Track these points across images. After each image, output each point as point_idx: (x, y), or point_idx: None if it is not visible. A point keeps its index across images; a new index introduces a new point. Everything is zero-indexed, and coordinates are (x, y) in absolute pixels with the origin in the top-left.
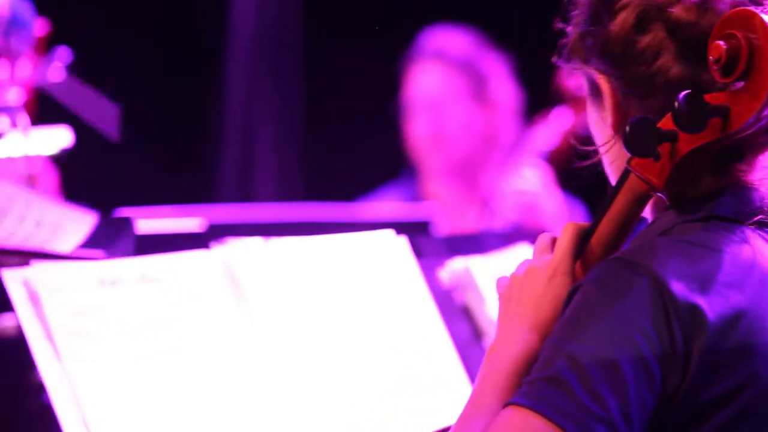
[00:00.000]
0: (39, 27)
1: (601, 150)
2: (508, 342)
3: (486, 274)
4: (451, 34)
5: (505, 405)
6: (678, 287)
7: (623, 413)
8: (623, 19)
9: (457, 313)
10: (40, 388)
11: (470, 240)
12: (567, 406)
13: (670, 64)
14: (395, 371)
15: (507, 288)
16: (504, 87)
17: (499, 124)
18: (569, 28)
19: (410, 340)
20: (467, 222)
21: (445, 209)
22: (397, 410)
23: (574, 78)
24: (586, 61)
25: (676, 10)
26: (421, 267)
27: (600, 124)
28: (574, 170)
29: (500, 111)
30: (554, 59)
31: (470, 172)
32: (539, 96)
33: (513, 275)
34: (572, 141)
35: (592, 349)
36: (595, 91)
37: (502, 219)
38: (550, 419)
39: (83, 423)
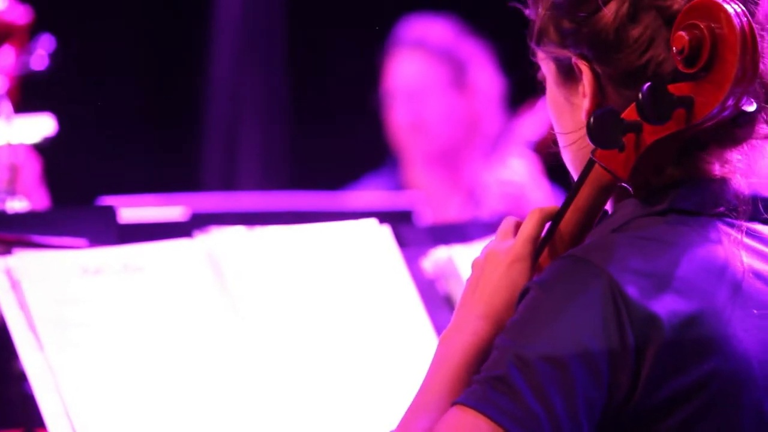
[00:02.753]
0: (22, 15)
1: (568, 138)
2: (459, 330)
3: (469, 263)
4: (431, 23)
5: (453, 404)
6: (631, 288)
7: (570, 415)
8: (617, 6)
9: (440, 302)
10: (21, 377)
11: (454, 229)
12: (513, 409)
13: (662, 53)
14: (377, 360)
15: (471, 274)
16: (485, 75)
17: (480, 112)
18: (537, 10)
19: (392, 329)
20: (451, 211)
21: (429, 198)
22: (379, 399)
23: (542, 65)
24: (562, 45)
25: (677, 3)
26: (404, 256)
27: (568, 111)
28: (560, 160)
29: (482, 99)
30: (528, 41)
31: (453, 161)
32: (526, 86)
33: (474, 260)
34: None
35: (541, 349)
36: (568, 76)
37: (487, 209)
38: (496, 422)
39: (65, 412)
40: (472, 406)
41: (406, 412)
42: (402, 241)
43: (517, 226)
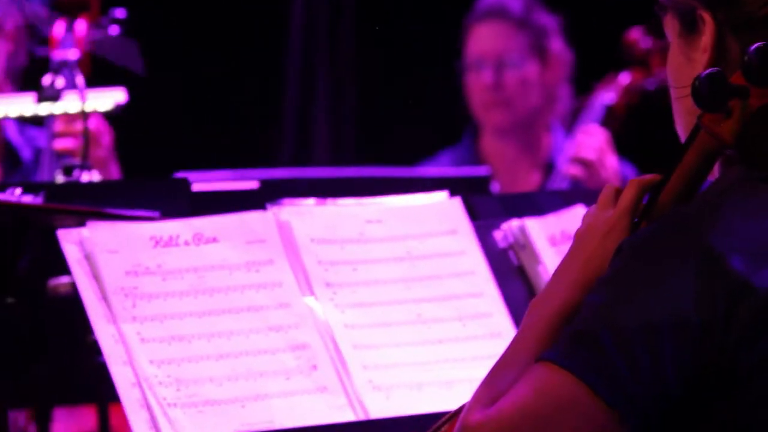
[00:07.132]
0: None
1: (680, 92)
2: (552, 295)
3: (542, 234)
4: None
5: (537, 359)
6: (729, 255)
7: (655, 375)
8: None
9: (512, 273)
10: (95, 348)
11: (526, 200)
12: (598, 365)
13: None
14: (449, 332)
15: (572, 243)
16: (562, 46)
17: (558, 82)
18: None
19: (464, 300)
20: (527, 182)
21: (505, 169)
22: (452, 372)
23: (666, 19)
24: None
25: None
26: (476, 227)
27: (685, 66)
28: (631, 134)
29: (560, 69)
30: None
31: (531, 131)
32: (601, 58)
33: (577, 230)
34: (632, 104)
35: (631, 312)
36: (691, 27)
37: (561, 179)
38: (580, 377)
39: (137, 384)
40: (555, 361)
41: (490, 371)
42: (474, 212)
43: (618, 194)
